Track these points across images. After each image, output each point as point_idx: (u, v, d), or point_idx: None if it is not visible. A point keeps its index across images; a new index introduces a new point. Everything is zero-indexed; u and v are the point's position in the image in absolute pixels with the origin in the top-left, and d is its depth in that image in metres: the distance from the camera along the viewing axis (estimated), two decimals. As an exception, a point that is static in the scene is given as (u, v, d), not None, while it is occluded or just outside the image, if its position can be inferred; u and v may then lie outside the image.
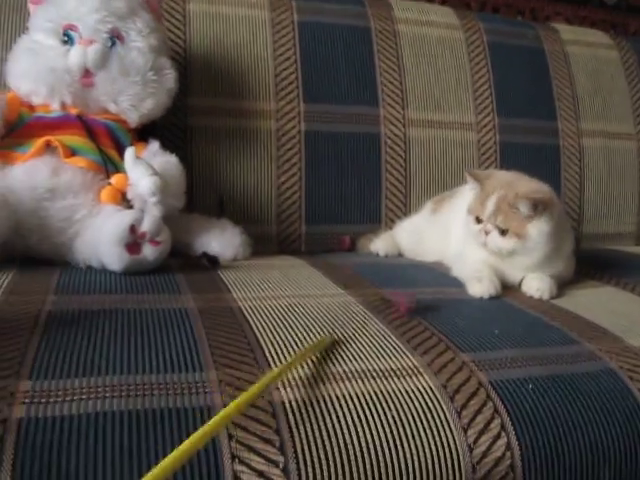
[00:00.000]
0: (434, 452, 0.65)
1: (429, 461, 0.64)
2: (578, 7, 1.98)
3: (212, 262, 1.11)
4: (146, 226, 1.03)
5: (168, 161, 1.16)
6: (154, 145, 1.19)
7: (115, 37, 1.16)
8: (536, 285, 1.06)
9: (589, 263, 1.28)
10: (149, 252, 1.03)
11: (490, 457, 0.67)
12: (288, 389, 0.67)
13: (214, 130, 1.36)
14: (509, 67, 1.58)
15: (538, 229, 1.04)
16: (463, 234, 1.15)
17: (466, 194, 1.17)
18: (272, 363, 0.72)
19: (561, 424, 0.71)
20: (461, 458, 0.65)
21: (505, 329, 0.86)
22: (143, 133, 1.25)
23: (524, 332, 0.85)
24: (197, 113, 1.36)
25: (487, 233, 1.06)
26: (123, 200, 1.10)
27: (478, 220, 1.08)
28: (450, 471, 0.65)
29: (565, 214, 1.33)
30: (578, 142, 1.60)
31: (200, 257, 1.13)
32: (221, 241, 1.19)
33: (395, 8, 1.55)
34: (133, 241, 1.02)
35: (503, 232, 1.04)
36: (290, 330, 0.81)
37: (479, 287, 1.03)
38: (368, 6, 1.53)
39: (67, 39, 1.15)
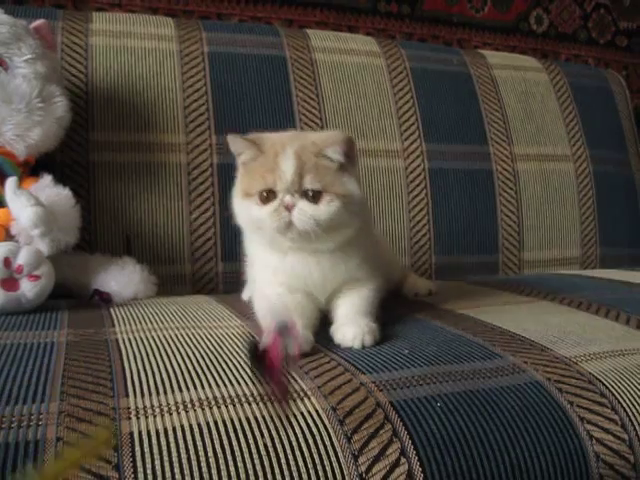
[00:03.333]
0: (315, 484, 0.54)
1: (309, 495, 0.53)
2: (507, 36, 1.95)
3: (104, 300, 1.00)
4: (22, 259, 0.92)
5: (58, 193, 1.06)
6: (46, 179, 1.09)
7: (-4, 64, 1.07)
8: (351, 332, 0.77)
9: (525, 283, 1.19)
10: (27, 288, 0.92)
11: (388, 488, 0.55)
12: (141, 418, 0.56)
13: (119, 166, 1.26)
14: (434, 93, 1.52)
15: (355, 182, 0.81)
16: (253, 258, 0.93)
17: None
18: (132, 392, 0.60)
19: (476, 445, 0.60)
20: (350, 490, 0.54)
21: (417, 348, 0.75)
22: (39, 169, 1.14)
23: (438, 350, 0.75)
24: (100, 148, 1.26)
25: (290, 208, 0.77)
26: (8, 237, 0.99)
27: (266, 197, 0.79)
28: (336, 506, 0.54)
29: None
30: (512, 166, 1.53)
31: (92, 295, 1.02)
32: (120, 279, 1.08)
33: (312, 38, 1.49)
34: (8, 276, 0.91)
35: (314, 197, 0.78)
36: (165, 358, 0.70)
37: None
38: (283, 36, 1.47)
39: (-54, 68, 1.06)
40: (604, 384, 0.70)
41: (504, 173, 1.52)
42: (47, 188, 1.07)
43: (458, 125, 1.52)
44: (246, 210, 0.81)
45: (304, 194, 0.78)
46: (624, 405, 0.68)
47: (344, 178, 0.80)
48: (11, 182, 1.00)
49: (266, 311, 0.82)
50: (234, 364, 0.68)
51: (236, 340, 0.78)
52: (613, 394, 0.69)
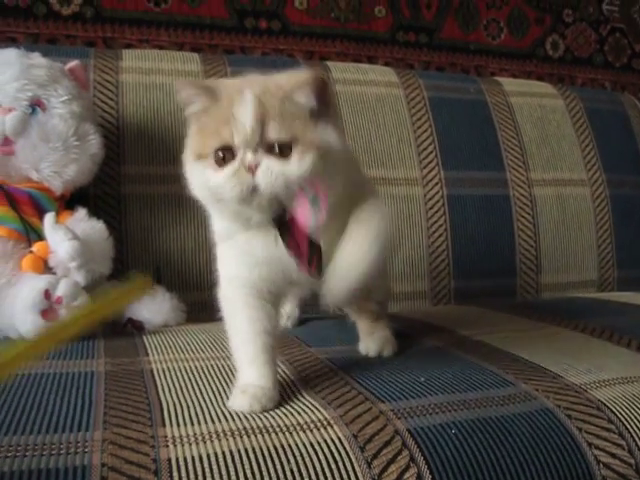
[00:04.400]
0: (338, 507, 0.58)
1: (332, 518, 0.58)
2: (523, 62, 2.00)
3: (137, 328, 1.06)
4: (61, 290, 0.98)
5: (92, 226, 1.13)
6: (81, 212, 1.15)
7: (35, 104, 1.13)
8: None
9: (541, 308, 1.23)
10: (66, 319, 0.98)
11: (405, 511, 0.60)
12: (178, 445, 0.61)
13: (149, 197, 1.32)
14: (452, 121, 1.56)
15: (334, 131, 0.69)
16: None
17: None
18: (168, 422, 0.65)
19: (488, 470, 0.65)
20: (370, 513, 0.59)
21: (434, 376, 0.80)
22: (74, 202, 1.20)
23: (454, 377, 0.79)
24: (131, 181, 1.32)
25: (254, 168, 0.65)
26: (46, 268, 1.06)
27: (223, 158, 0.66)
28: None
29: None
30: (529, 191, 1.57)
31: (125, 324, 1.07)
32: (151, 307, 1.13)
33: (332, 70, 1.54)
34: (48, 307, 0.97)
35: (282, 152, 0.66)
36: (197, 390, 0.75)
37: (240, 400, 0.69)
38: (305, 69, 1.52)
39: (-14, 108, 1.13)
40: (612, 411, 0.74)
41: (521, 199, 1.56)
42: (82, 222, 1.13)
43: (475, 152, 1.56)
44: (199, 176, 0.68)
45: (269, 149, 0.65)
46: (631, 431, 0.71)
47: (320, 126, 0.68)
48: (49, 217, 1.06)
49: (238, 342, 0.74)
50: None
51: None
52: (620, 420, 0.72)
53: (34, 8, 1.61)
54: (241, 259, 0.74)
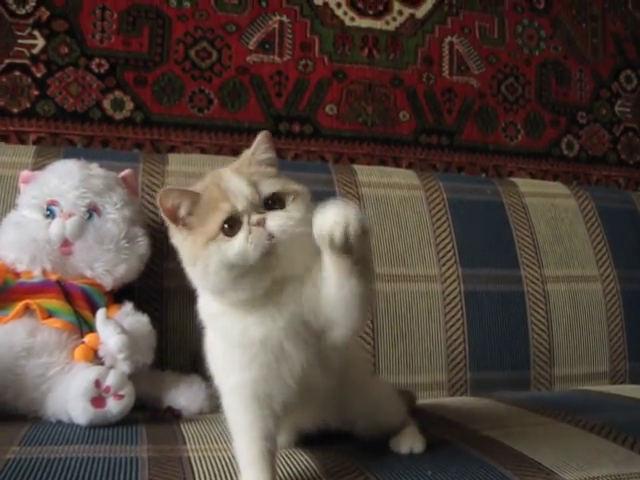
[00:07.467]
0: None
1: None
2: (540, 161, 2.12)
3: (176, 416, 1.17)
4: (110, 381, 1.09)
5: (138, 320, 1.25)
6: (127, 306, 1.28)
7: (92, 210, 1.28)
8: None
9: (550, 403, 1.31)
10: (113, 405, 1.09)
11: None
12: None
13: (188, 291, 1.44)
14: (470, 221, 1.68)
15: (289, 179, 0.82)
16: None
17: None
18: (203, 506, 0.76)
19: None
20: None
21: (440, 470, 0.89)
22: (122, 295, 1.33)
23: (457, 472, 0.89)
24: (173, 276, 1.45)
25: (263, 222, 0.75)
26: (95, 358, 1.18)
27: (231, 228, 0.75)
28: None
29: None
30: (542, 287, 1.67)
31: (165, 411, 1.18)
32: (187, 396, 1.24)
33: (359, 173, 1.68)
34: (98, 395, 1.08)
35: (278, 204, 0.77)
36: (227, 477, 0.85)
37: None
38: (334, 173, 1.66)
39: (49, 213, 1.27)
40: (597, 506, 0.82)
41: (535, 294, 1.66)
42: (129, 315, 1.25)
43: (491, 250, 1.67)
44: (217, 254, 0.75)
45: (267, 206, 0.76)
46: (612, 524, 0.80)
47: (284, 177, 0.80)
48: (101, 313, 1.19)
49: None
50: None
51: (283, 454, 0.93)
52: (604, 515, 0.81)
53: (90, 113, 1.79)
54: (236, 351, 0.81)
